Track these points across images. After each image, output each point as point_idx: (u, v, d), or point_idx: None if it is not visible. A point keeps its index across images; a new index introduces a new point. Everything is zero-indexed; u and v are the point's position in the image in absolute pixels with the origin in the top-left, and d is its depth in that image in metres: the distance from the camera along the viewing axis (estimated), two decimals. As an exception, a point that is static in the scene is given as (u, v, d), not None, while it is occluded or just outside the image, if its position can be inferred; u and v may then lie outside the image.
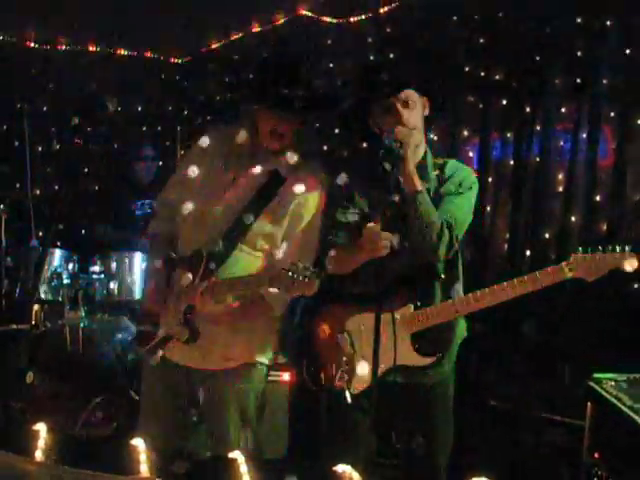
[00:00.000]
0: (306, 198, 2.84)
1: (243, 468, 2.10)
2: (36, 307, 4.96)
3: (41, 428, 2.22)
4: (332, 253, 2.73)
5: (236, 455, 2.07)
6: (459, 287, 2.87)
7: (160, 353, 2.78)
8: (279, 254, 2.79)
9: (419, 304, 2.74)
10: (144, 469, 2.08)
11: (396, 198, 2.52)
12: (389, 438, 2.38)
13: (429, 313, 2.73)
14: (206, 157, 2.95)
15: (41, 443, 2.19)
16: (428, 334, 2.74)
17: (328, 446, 2.94)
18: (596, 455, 3.24)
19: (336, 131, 5.40)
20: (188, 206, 2.91)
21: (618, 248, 2.57)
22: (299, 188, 2.82)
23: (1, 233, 5.31)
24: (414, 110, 2.80)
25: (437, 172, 2.89)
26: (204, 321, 2.78)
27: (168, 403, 2.92)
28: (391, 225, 2.55)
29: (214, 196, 2.87)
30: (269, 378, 3.05)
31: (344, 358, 2.77)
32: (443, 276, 2.81)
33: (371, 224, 2.62)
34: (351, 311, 2.83)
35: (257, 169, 2.87)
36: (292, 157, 2.86)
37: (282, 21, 6.09)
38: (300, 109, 2.76)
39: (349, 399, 2.72)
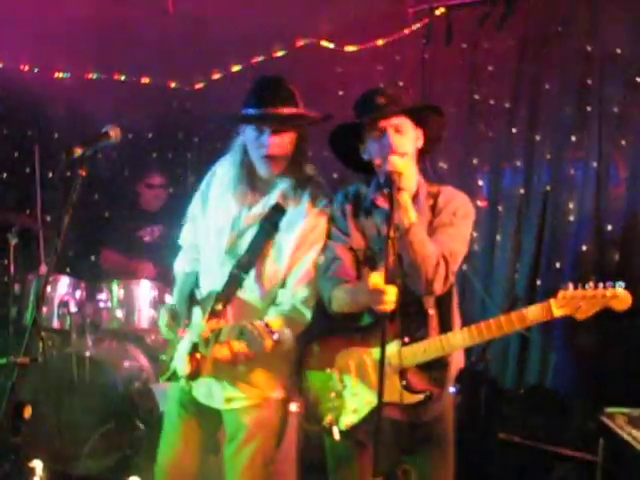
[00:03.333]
0: (308, 229, 2.81)
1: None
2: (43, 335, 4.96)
3: (37, 465, 2.19)
4: (338, 293, 2.71)
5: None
6: (455, 321, 2.80)
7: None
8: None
9: (407, 340, 2.66)
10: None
11: (390, 231, 2.44)
12: (386, 476, 2.31)
13: (416, 350, 2.64)
14: (213, 197, 2.99)
15: (37, 480, 2.16)
16: (417, 371, 2.67)
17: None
18: (609, 492, 3.18)
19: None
20: (200, 245, 2.94)
21: (610, 285, 2.49)
22: (301, 222, 2.80)
23: (10, 260, 5.32)
24: (405, 137, 2.74)
25: (431, 202, 2.81)
26: (210, 362, 2.78)
27: (184, 435, 2.91)
28: (383, 258, 2.48)
29: (221, 235, 2.88)
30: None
31: (333, 394, 2.73)
32: (431, 312, 2.73)
33: (375, 274, 2.54)
34: (340, 346, 2.78)
35: (258, 204, 2.86)
36: (291, 188, 2.83)
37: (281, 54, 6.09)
38: (282, 124, 2.74)
39: (337, 435, 2.68)
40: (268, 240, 2.79)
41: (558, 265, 4.88)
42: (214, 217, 2.94)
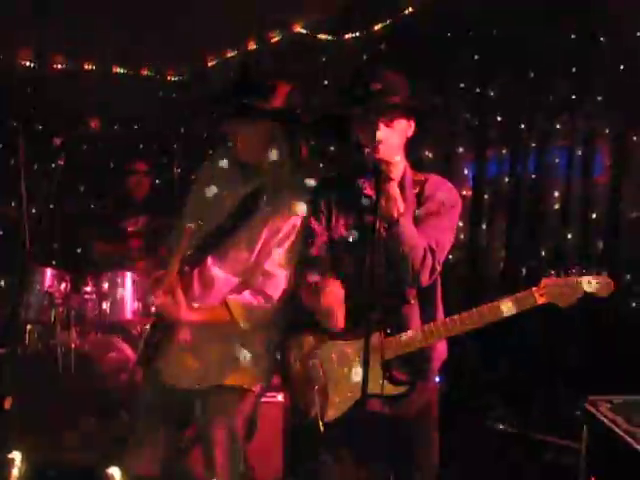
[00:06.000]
0: (282, 221, 2.80)
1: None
2: (28, 328, 4.95)
3: (15, 456, 2.18)
4: (311, 278, 2.69)
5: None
6: (439, 311, 2.79)
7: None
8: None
9: (389, 331, 2.62)
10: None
11: (376, 221, 2.39)
12: (370, 468, 2.30)
13: (399, 341, 2.61)
14: (203, 182, 2.99)
15: (15, 472, 2.15)
16: (400, 362, 2.64)
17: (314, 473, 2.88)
18: (592, 478, 3.19)
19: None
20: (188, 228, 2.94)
21: (593, 272, 2.48)
22: (276, 210, 2.79)
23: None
24: (395, 128, 2.68)
25: (417, 190, 2.77)
26: (179, 339, 2.81)
27: (156, 422, 2.89)
28: (367, 248, 2.45)
29: (204, 218, 2.88)
30: (262, 400, 3.03)
31: (316, 387, 2.72)
32: (414, 302, 2.70)
33: (334, 289, 2.55)
34: (323, 339, 2.75)
35: (239, 189, 2.86)
36: (273, 176, 2.83)
37: (277, 39, 6.08)
38: (256, 113, 2.73)
39: (321, 427, 2.67)
40: (242, 224, 2.79)
41: (543, 253, 4.89)
42: (205, 203, 2.94)
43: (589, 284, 2.48)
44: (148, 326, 2.89)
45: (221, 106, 2.83)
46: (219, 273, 2.81)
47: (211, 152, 3.13)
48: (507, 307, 2.52)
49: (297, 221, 2.81)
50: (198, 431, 2.95)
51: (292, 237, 2.81)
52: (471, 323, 2.56)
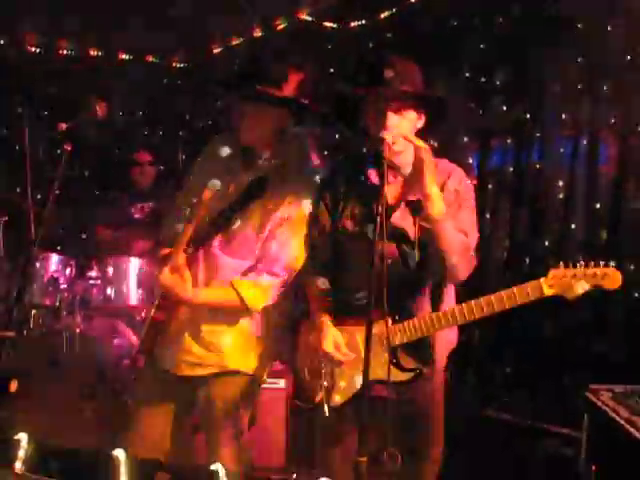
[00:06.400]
0: (289, 205, 2.81)
1: (222, 481, 2.07)
2: (33, 312, 4.98)
3: (22, 438, 2.20)
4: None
5: (217, 467, 2.04)
6: (447, 299, 2.79)
7: None
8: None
9: (397, 318, 2.64)
10: (124, 481, 2.05)
11: (380, 209, 2.36)
12: (376, 453, 2.31)
13: (407, 327, 2.63)
14: (205, 166, 2.99)
15: (21, 453, 2.17)
16: (407, 348, 2.66)
17: (319, 457, 2.91)
18: (593, 467, 3.20)
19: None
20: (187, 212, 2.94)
21: (601, 264, 2.47)
22: (282, 194, 2.79)
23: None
24: (405, 118, 2.66)
25: None
26: (181, 324, 2.83)
27: (156, 408, 2.90)
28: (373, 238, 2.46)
29: (207, 202, 2.86)
30: (264, 386, 3.05)
31: (323, 372, 2.73)
32: (423, 290, 2.72)
33: (328, 339, 2.65)
34: (331, 324, 2.77)
35: (242, 174, 2.86)
36: (276, 159, 2.83)
37: (282, 26, 6.07)
38: (267, 99, 2.72)
39: (327, 412, 2.69)
40: (248, 208, 2.78)
41: (547, 243, 4.89)
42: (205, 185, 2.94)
43: (596, 277, 2.48)
44: (153, 309, 2.88)
45: (230, 91, 2.82)
46: (225, 256, 2.81)
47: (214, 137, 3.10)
48: (514, 297, 2.52)
49: (304, 207, 2.80)
50: (200, 416, 2.96)
51: (298, 223, 2.81)
52: (479, 312, 2.56)
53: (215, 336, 2.83)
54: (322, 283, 2.83)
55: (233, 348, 2.85)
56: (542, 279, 2.52)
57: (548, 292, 2.50)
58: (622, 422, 3.06)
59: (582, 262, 2.51)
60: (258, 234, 2.80)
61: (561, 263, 2.51)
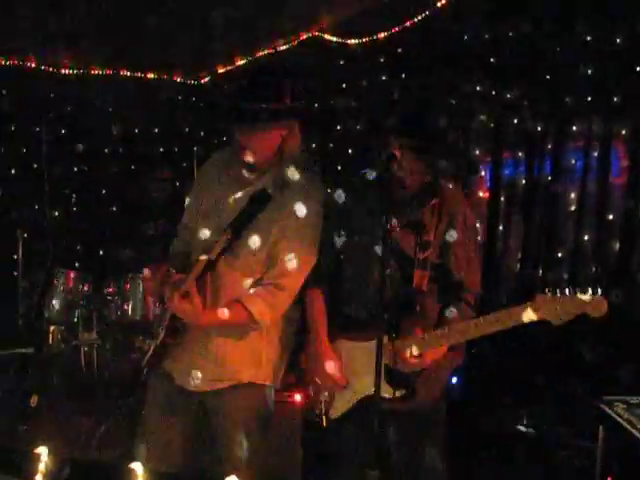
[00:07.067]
0: (292, 217, 2.80)
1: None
2: (52, 328, 5.05)
3: (42, 451, 2.23)
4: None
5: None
6: (449, 314, 2.80)
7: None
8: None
9: (394, 335, 2.66)
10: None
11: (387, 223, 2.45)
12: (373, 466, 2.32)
13: (400, 345, 2.64)
14: (206, 181, 3.00)
15: (41, 467, 2.20)
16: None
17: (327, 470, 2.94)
18: (608, 479, 3.20)
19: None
20: (193, 230, 2.96)
21: (588, 291, 2.44)
22: (284, 207, 2.80)
23: (18, 254, 5.40)
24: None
25: (434, 201, 2.79)
26: (192, 339, 2.82)
27: (165, 422, 2.92)
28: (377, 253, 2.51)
29: (210, 219, 2.89)
30: (278, 399, 3.06)
31: (320, 384, 2.78)
32: (418, 308, 2.74)
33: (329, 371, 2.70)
34: (332, 338, 2.82)
35: (244, 189, 2.88)
36: (275, 173, 2.85)
37: (296, 43, 6.13)
38: (259, 117, 2.72)
39: (324, 423, 2.72)
40: (250, 224, 2.80)
41: (560, 255, 4.90)
42: (207, 199, 2.97)
43: (582, 304, 2.45)
44: (162, 329, 2.89)
45: (229, 112, 2.85)
46: (231, 271, 2.82)
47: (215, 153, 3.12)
48: (501, 320, 2.53)
49: (307, 215, 2.80)
50: (215, 430, 2.96)
51: (303, 231, 2.81)
52: (475, 332, 2.57)
53: (226, 350, 2.85)
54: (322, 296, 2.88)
55: (245, 361, 2.86)
56: (528, 303, 2.51)
57: (533, 317, 2.49)
58: (636, 433, 3.06)
59: (569, 288, 2.48)
60: (262, 247, 2.81)
61: (547, 289, 2.50)
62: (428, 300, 2.78)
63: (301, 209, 2.79)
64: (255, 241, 2.79)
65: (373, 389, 2.40)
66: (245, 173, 2.88)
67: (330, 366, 2.73)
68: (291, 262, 2.79)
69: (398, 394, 2.67)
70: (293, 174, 2.85)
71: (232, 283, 2.82)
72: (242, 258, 2.80)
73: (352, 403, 2.74)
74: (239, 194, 2.87)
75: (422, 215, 2.78)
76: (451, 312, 2.74)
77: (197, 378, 2.84)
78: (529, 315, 2.49)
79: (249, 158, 2.81)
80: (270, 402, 2.94)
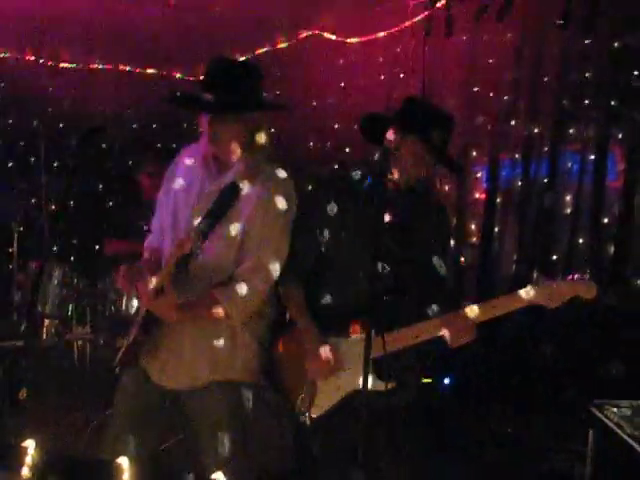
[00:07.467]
0: (262, 210, 2.75)
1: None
2: (46, 322, 5.04)
3: (29, 444, 2.23)
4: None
5: (218, 476, 2.06)
6: (436, 310, 2.80)
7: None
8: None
9: (379, 330, 2.59)
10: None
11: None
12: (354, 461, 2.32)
13: (388, 339, 2.58)
14: (177, 176, 2.94)
15: (28, 460, 2.20)
16: (388, 360, 2.62)
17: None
18: (599, 482, 3.21)
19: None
20: (165, 225, 2.92)
21: (577, 275, 2.51)
22: (254, 200, 2.75)
23: (14, 248, 5.40)
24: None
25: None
26: (166, 337, 2.77)
27: (138, 420, 2.84)
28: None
29: (181, 213, 2.85)
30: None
31: (304, 382, 2.77)
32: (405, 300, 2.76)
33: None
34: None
35: (214, 182, 2.86)
36: (244, 166, 2.83)
37: (295, 40, 6.12)
38: (209, 109, 2.70)
39: (308, 421, 2.71)
40: (221, 219, 2.77)
41: (555, 257, 4.91)
42: (178, 194, 2.94)
43: (573, 287, 2.50)
44: (134, 327, 2.82)
45: (190, 104, 2.84)
46: (204, 269, 2.76)
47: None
48: (494, 307, 2.57)
49: (278, 206, 2.77)
50: (194, 428, 2.92)
51: (276, 229, 2.78)
52: (461, 322, 2.58)
53: (201, 348, 2.83)
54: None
55: (219, 359, 2.82)
56: (522, 290, 2.53)
57: (527, 299, 2.51)
58: (626, 438, 3.07)
59: (560, 275, 2.56)
60: (234, 241, 2.79)
61: (539, 275, 2.55)
62: (413, 296, 2.78)
63: (272, 202, 2.77)
64: (227, 235, 2.77)
65: (360, 384, 2.38)
66: (214, 167, 2.86)
67: (325, 350, 2.70)
68: (264, 256, 2.78)
69: (387, 387, 2.65)
70: (263, 167, 2.82)
71: (205, 277, 2.81)
72: (214, 252, 2.80)
73: (337, 400, 2.73)
74: (209, 188, 2.85)
75: (409, 212, 2.78)
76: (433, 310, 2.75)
77: (171, 377, 2.81)
78: (523, 300, 2.51)
79: (217, 151, 2.80)
80: (247, 400, 2.91)
